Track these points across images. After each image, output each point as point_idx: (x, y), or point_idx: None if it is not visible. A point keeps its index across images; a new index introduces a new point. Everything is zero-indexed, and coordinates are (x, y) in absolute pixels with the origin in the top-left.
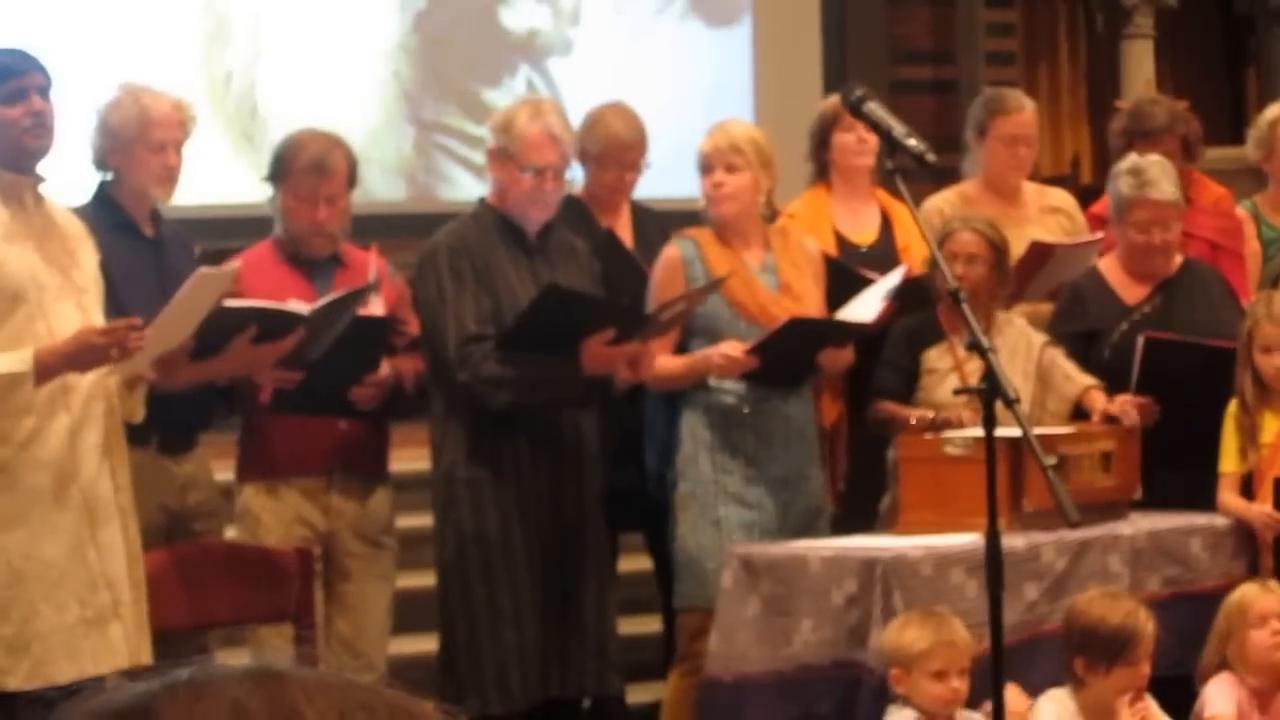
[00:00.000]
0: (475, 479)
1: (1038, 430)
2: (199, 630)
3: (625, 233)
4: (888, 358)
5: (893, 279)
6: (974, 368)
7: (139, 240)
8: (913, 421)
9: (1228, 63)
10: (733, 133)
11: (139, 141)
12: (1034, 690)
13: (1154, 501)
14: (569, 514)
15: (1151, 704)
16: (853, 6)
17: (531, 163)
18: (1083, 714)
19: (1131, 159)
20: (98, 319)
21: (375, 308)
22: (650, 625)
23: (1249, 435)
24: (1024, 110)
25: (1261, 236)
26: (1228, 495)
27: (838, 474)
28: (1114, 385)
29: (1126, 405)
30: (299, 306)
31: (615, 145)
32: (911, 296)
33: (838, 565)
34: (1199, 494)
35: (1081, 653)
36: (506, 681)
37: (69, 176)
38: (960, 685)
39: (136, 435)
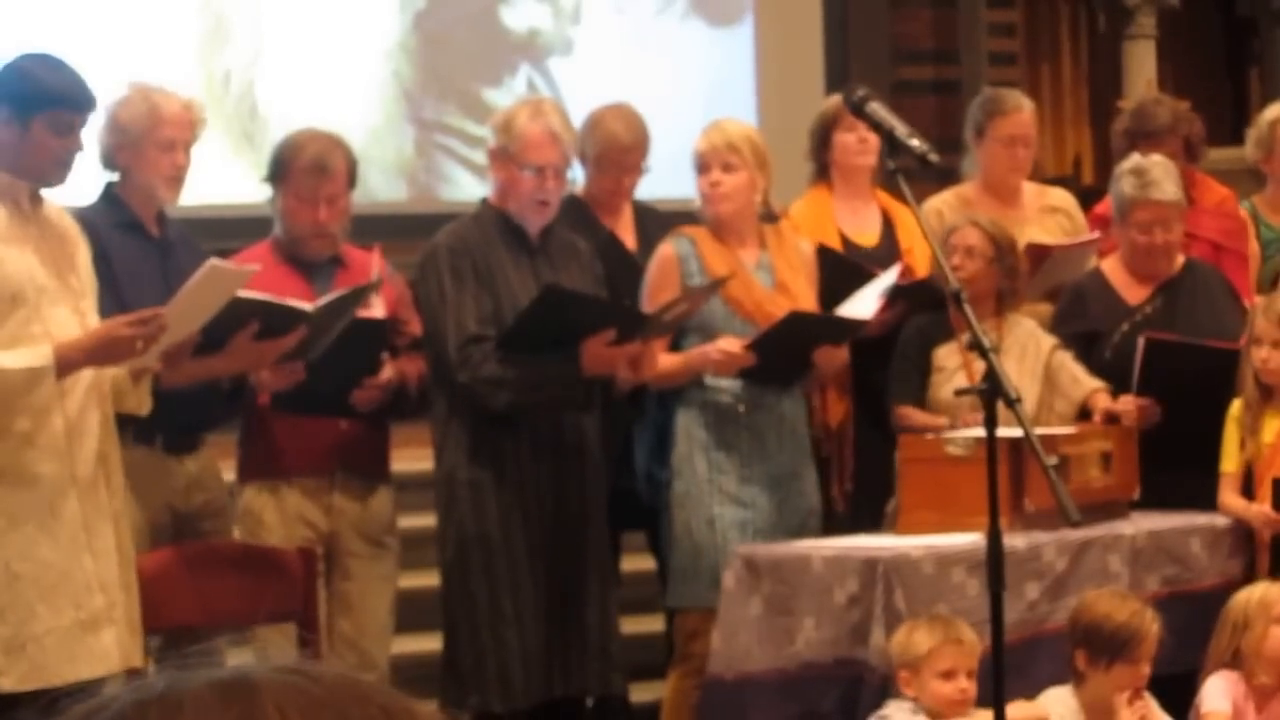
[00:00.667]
0: (477, 480)
1: (1039, 430)
2: (208, 630)
3: (627, 233)
4: (901, 358)
5: (890, 276)
6: (981, 367)
7: (145, 240)
8: (929, 438)
9: (1230, 63)
10: (729, 132)
11: (148, 139)
12: (1034, 690)
13: (1154, 501)
14: (571, 514)
15: (1151, 702)
16: (855, 6)
17: (532, 162)
18: (1083, 711)
19: (1134, 159)
20: (94, 324)
21: (376, 309)
22: (653, 624)
23: (1250, 435)
24: (1022, 111)
25: (1260, 237)
26: (1228, 495)
27: (844, 474)
28: (1115, 386)
29: (1129, 405)
30: (302, 304)
31: (614, 148)
32: (921, 298)
33: (839, 565)
34: (1199, 494)
35: (1084, 647)
36: (509, 681)
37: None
38: (969, 685)
39: (142, 435)
